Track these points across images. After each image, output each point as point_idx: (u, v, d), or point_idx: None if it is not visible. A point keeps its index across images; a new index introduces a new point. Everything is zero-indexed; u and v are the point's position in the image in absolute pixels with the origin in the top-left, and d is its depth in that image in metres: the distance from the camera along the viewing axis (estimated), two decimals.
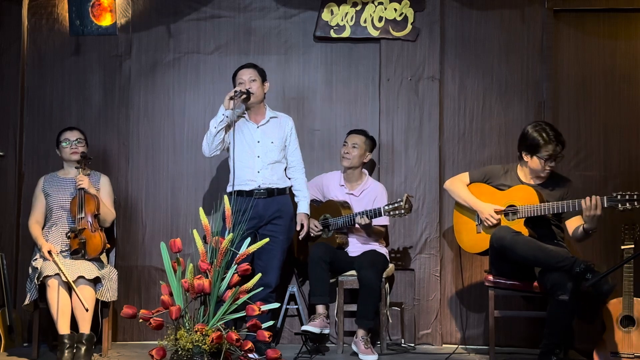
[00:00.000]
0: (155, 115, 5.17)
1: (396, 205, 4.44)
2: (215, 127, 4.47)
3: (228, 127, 4.52)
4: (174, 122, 5.15)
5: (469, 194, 4.44)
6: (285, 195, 4.63)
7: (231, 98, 4.44)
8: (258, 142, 4.58)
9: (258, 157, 4.56)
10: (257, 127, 4.61)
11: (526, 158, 4.30)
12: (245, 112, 4.65)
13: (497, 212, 4.28)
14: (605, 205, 3.99)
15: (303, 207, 4.71)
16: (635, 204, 3.93)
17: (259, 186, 4.52)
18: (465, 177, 4.53)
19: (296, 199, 4.73)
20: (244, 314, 3.53)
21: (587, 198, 4.01)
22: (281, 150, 4.64)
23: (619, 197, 3.96)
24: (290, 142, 4.71)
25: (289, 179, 4.69)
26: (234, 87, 4.59)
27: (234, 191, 4.46)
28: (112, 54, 5.17)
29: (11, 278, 4.90)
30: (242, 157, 4.55)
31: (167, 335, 3.46)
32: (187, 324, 3.45)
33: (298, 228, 4.68)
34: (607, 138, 5.09)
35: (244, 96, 4.48)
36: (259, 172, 4.54)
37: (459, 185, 4.50)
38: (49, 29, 5.17)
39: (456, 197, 4.50)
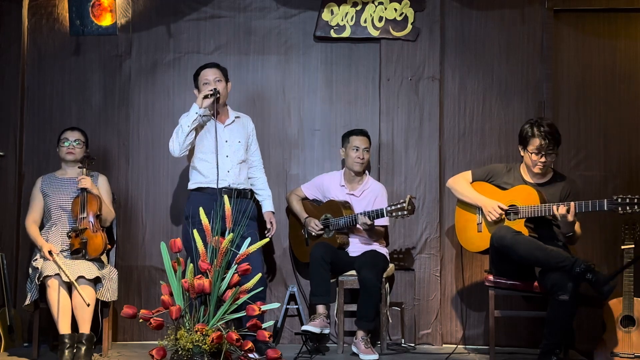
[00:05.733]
0: (155, 115, 5.17)
1: (399, 206, 4.44)
2: (188, 126, 4.40)
3: (196, 128, 4.47)
4: (173, 122, 5.08)
5: (472, 190, 4.44)
6: (248, 199, 4.57)
7: (205, 97, 4.39)
8: (226, 141, 4.54)
9: (227, 156, 4.51)
10: (224, 127, 4.57)
11: (522, 153, 4.33)
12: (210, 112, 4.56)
13: (500, 209, 4.27)
14: (606, 209, 3.98)
15: (269, 206, 4.73)
16: (636, 207, 3.91)
17: (229, 185, 4.47)
18: (468, 175, 4.53)
19: (260, 198, 4.73)
20: (244, 313, 3.53)
21: (559, 206, 4.03)
22: (246, 150, 4.63)
23: (619, 200, 3.94)
24: (252, 141, 4.71)
25: (249, 178, 4.66)
26: (196, 86, 4.56)
27: (200, 188, 4.45)
28: (112, 54, 5.17)
29: (11, 278, 4.90)
30: (210, 157, 4.46)
31: (167, 335, 3.45)
32: (187, 324, 3.45)
33: (268, 226, 4.67)
34: (607, 138, 5.09)
35: (218, 95, 4.41)
36: (228, 171, 4.49)
37: (461, 183, 4.50)
38: (49, 29, 5.16)
39: (459, 194, 4.50)
